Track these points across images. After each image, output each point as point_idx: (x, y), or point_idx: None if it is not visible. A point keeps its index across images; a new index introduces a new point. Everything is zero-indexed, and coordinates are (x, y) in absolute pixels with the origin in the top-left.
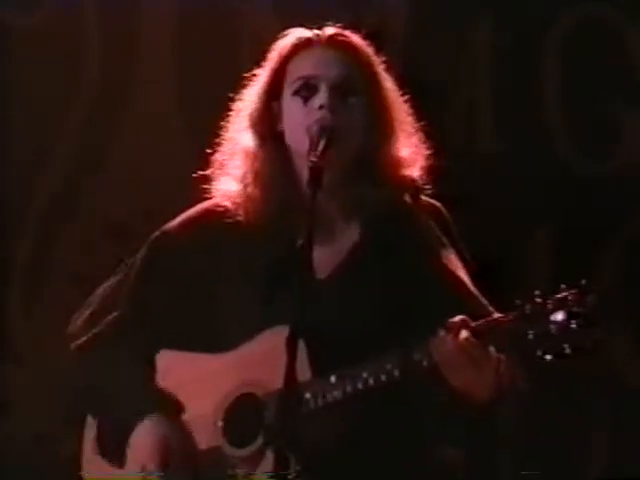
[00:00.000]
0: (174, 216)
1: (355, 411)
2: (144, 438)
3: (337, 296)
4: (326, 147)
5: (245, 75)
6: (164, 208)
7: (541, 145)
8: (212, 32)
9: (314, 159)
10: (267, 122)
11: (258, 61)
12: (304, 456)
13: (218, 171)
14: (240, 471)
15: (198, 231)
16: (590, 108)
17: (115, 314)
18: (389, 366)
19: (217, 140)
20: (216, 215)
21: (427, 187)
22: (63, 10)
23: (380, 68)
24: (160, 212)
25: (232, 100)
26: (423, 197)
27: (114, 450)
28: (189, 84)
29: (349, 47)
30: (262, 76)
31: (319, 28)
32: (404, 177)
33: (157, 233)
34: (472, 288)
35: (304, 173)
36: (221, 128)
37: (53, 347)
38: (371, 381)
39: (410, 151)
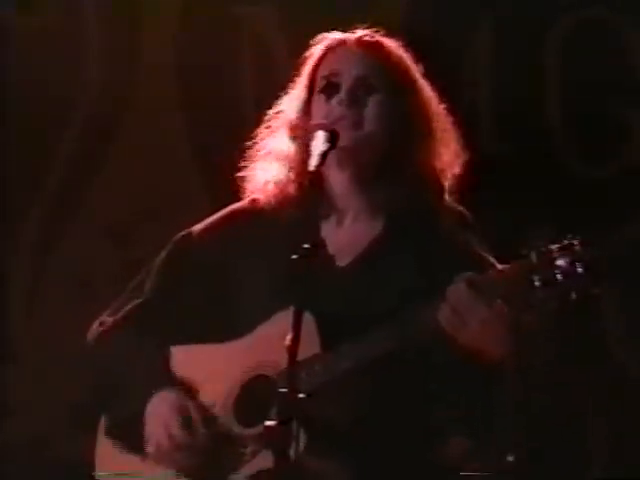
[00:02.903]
0: (174, 217)
1: (365, 381)
2: (161, 404)
3: (357, 283)
4: (323, 155)
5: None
6: (164, 209)
7: (541, 145)
8: (213, 32)
9: (312, 167)
10: (303, 126)
11: (259, 62)
12: (314, 429)
13: (253, 165)
14: (249, 449)
15: (221, 231)
16: (590, 108)
17: (135, 302)
18: (397, 331)
19: (253, 139)
20: (241, 214)
21: (454, 191)
22: (64, 10)
23: (414, 72)
24: (160, 213)
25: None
26: (448, 200)
27: (129, 435)
28: (190, 84)
29: (376, 48)
30: (301, 78)
31: (352, 31)
32: (432, 176)
33: (182, 233)
34: (486, 255)
35: (327, 172)
36: (220, 132)
37: (53, 347)
38: (380, 348)
39: (445, 156)
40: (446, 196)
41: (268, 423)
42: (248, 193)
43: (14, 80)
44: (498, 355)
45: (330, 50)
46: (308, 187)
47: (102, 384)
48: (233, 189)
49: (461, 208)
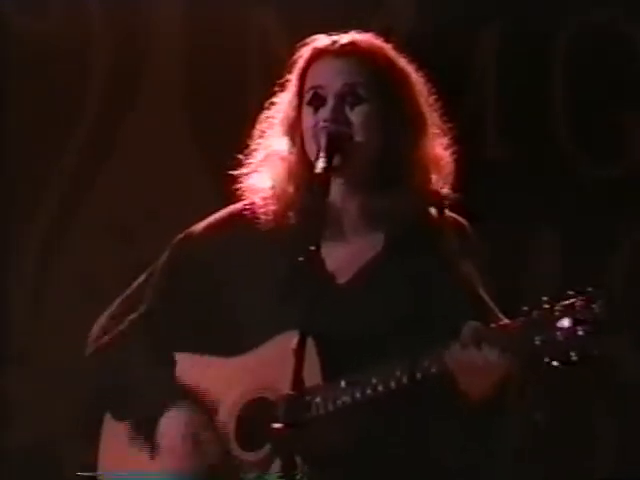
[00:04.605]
0: (176, 216)
1: (364, 416)
2: (173, 423)
3: (355, 302)
4: (329, 156)
5: (278, 82)
6: (166, 209)
7: (546, 148)
8: (219, 34)
9: (319, 169)
10: (298, 127)
11: (264, 65)
12: (313, 460)
13: (251, 172)
14: (251, 475)
15: (221, 235)
16: (595, 110)
17: (139, 311)
18: (398, 372)
19: (248, 146)
20: (241, 219)
21: (453, 201)
22: (68, 11)
23: (405, 72)
24: (162, 213)
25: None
26: (448, 212)
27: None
28: (194, 85)
29: (362, 54)
30: (292, 81)
31: (339, 34)
32: (431, 190)
33: (181, 235)
34: (484, 297)
35: None
36: (224, 131)
37: (57, 348)
38: (380, 387)
39: (438, 155)
40: (445, 205)
41: (275, 425)
42: (247, 196)
43: (17, 80)
44: (478, 398)
45: (316, 57)
46: (314, 191)
47: (108, 396)
48: (238, 188)
49: (461, 220)
